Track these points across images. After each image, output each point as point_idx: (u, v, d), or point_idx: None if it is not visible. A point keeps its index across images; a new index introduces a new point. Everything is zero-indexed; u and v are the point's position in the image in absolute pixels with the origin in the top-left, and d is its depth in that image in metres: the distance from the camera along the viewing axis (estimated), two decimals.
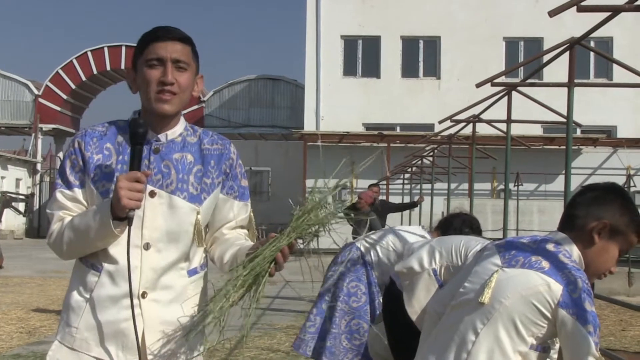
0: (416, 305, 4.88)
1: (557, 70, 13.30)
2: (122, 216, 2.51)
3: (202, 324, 2.58)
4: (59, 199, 2.67)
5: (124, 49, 35.83)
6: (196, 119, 33.72)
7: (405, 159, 21.21)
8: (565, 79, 7.32)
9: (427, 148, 18.93)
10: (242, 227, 2.88)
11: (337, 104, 28.13)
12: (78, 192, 2.66)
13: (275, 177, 34.03)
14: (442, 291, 3.08)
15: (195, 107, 33.81)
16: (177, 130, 2.74)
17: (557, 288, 2.58)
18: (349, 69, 29.04)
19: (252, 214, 2.91)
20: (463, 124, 13.41)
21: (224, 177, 2.80)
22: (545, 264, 2.65)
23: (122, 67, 35.65)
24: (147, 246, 2.62)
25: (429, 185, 20.21)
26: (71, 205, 2.66)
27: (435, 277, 4.80)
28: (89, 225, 2.56)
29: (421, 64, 28.93)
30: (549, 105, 9.81)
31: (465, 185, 24.46)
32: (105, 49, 36.03)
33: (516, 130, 14.18)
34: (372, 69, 28.97)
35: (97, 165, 2.64)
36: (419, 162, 20.61)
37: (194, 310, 2.69)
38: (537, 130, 25.82)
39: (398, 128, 28.21)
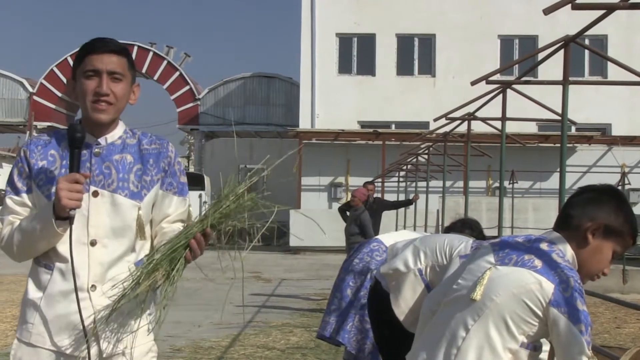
0: (403, 305, 4.92)
1: (552, 68, 13.29)
2: (64, 216, 2.69)
3: (116, 306, 2.73)
4: (8, 205, 2.85)
5: None
6: (191, 117, 33.70)
7: (401, 156, 21.21)
8: (560, 77, 7.32)
9: (422, 146, 18.94)
10: (181, 220, 3.03)
11: (332, 101, 28.13)
12: (25, 197, 2.85)
13: (270, 175, 34.02)
14: (435, 289, 3.09)
15: (190, 104, 33.78)
16: (117, 133, 2.93)
17: (549, 286, 2.59)
18: (344, 67, 29.04)
19: (190, 208, 3.08)
20: (458, 122, 13.41)
21: (162, 174, 2.96)
22: (537, 263, 2.65)
23: None
24: (93, 242, 2.81)
25: (424, 183, 20.20)
26: (20, 210, 2.85)
27: (421, 276, 4.87)
28: (34, 227, 2.75)
29: (416, 62, 28.95)
30: (543, 103, 9.82)
31: (461, 183, 24.48)
32: None
33: (511, 128, 14.21)
34: (367, 67, 28.97)
35: (42, 171, 2.84)
36: (414, 159, 20.61)
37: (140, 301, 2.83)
38: (532, 128, 25.86)
39: (393, 126, 28.23)
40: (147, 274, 2.70)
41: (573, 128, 24.14)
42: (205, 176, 28.86)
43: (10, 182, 2.88)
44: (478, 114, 11.98)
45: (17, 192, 2.86)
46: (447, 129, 14.88)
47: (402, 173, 23.42)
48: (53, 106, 36.24)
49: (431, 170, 18.81)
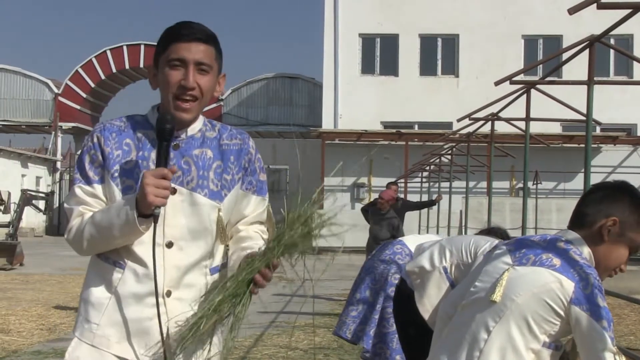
0: (427, 303, 4.91)
1: (576, 68, 13.21)
2: (147, 213, 2.47)
3: (181, 346, 2.54)
4: (77, 194, 2.61)
5: (142, 47, 36.02)
6: (214, 117, 33.75)
7: (424, 157, 21.17)
8: (584, 77, 7.29)
9: (445, 146, 18.89)
10: (259, 222, 2.82)
11: (355, 102, 28.12)
12: (97, 188, 2.60)
13: (293, 176, 34.06)
14: (452, 292, 3.10)
15: (214, 105, 33.90)
16: (197, 126, 2.68)
17: (569, 285, 2.59)
18: (367, 67, 29.03)
19: (270, 208, 2.85)
20: (481, 122, 13.36)
21: (243, 173, 2.74)
22: (556, 262, 2.65)
23: (141, 65, 35.84)
24: (169, 244, 2.59)
25: (447, 184, 20.17)
26: (90, 201, 2.60)
27: (445, 274, 4.88)
28: (111, 222, 2.51)
29: (439, 62, 28.87)
30: (568, 103, 9.77)
31: (484, 184, 24.38)
32: (125, 48, 36.24)
33: (535, 128, 14.13)
34: (390, 67, 28.94)
35: (117, 161, 2.59)
36: (437, 160, 20.56)
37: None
38: (556, 129, 25.71)
39: (416, 126, 28.17)
40: (210, 314, 2.50)
41: (598, 128, 23.97)
42: None
43: (81, 169, 2.62)
44: (502, 114, 11.93)
45: (88, 181, 2.60)
46: (471, 129, 14.82)
47: (425, 173, 23.38)
48: (78, 107, 36.55)
49: (454, 171, 18.76)
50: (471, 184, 18.15)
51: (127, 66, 36.27)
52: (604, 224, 2.74)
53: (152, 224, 2.50)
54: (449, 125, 25.01)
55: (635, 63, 25.45)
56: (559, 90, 10.49)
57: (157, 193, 2.44)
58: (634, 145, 26.03)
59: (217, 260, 2.71)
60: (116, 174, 2.58)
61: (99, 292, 2.64)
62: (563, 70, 23.09)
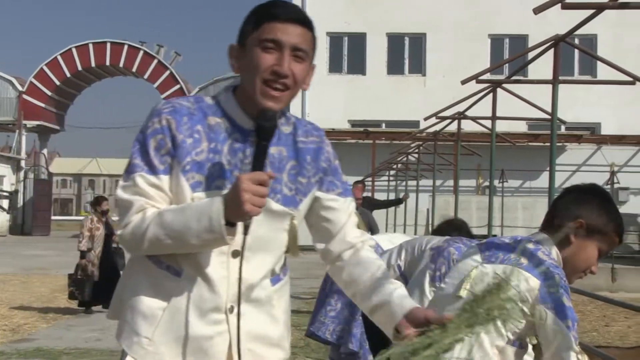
0: None
1: (542, 67, 13.34)
2: (235, 222, 2.13)
3: None
4: (139, 184, 2.20)
5: (108, 45, 35.70)
6: None
7: (391, 155, 21.24)
8: (549, 76, 7.35)
9: (412, 145, 18.98)
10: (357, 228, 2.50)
11: (322, 100, 28.12)
12: (164, 179, 2.22)
13: None
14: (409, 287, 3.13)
15: None
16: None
17: (535, 283, 2.63)
18: (335, 66, 29.06)
19: (356, 213, 2.52)
20: (448, 121, 13.44)
21: (321, 175, 2.40)
22: (523, 260, 2.69)
23: (107, 63, 35.54)
24: (235, 254, 2.26)
25: (414, 182, 20.23)
26: (153, 193, 2.21)
27: (399, 271, 5.04)
28: (188, 227, 2.14)
29: (407, 61, 28.98)
30: (533, 102, 9.85)
31: (451, 182, 24.51)
32: (90, 46, 35.90)
33: (501, 127, 14.23)
34: (358, 66, 29.00)
35: (188, 152, 2.21)
36: (405, 158, 20.64)
37: (280, 321, 2.41)
38: (522, 127, 25.92)
39: (383, 125, 28.25)
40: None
41: (563, 127, 24.21)
42: None
43: (143, 155, 2.21)
44: (468, 113, 12.01)
45: (153, 170, 2.20)
46: (437, 128, 14.90)
47: (392, 172, 23.46)
48: (43, 105, 36.13)
49: (421, 169, 18.84)
50: (438, 182, 18.25)
51: (93, 64, 35.92)
52: (570, 227, 2.78)
53: (242, 235, 2.19)
54: (416, 123, 25.11)
55: (599, 63, 25.73)
56: (525, 90, 10.58)
57: (255, 202, 2.07)
58: (598, 144, 26.32)
59: (278, 268, 2.40)
60: (187, 167, 2.20)
61: (150, 301, 2.28)
62: (529, 69, 23.27)
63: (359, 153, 26.50)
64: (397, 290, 2.29)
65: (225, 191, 2.17)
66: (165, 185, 2.21)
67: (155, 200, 2.21)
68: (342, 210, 2.43)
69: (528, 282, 2.62)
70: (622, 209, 26.97)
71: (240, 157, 2.25)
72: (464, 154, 15.30)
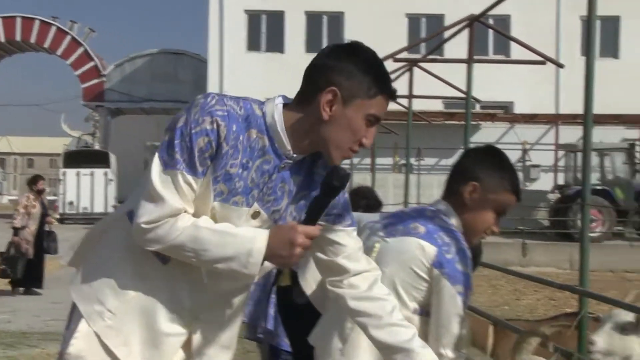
0: (310, 279, 4.98)
1: (458, 46, 13.55)
2: (268, 263, 2.16)
3: None
4: (179, 182, 2.12)
5: (19, 20, 34.61)
6: (96, 93, 33.00)
7: None
8: (465, 56, 7.49)
9: None
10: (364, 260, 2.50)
11: (241, 78, 27.93)
12: (199, 182, 2.15)
13: None
14: None
15: (95, 81, 33.04)
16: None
17: (431, 249, 2.71)
18: (253, 44, 28.87)
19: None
20: None
21: (330, 209, 2.31)
22: (421, 229, 2.76)
23: (18, 39, 34.48)
24: None
25: None
26: (188, 193, 2.14)
27: None
28: (222, 253, 2.13)
29: (325, 39, 28.97)
30: (449, 81, 10.02)
31: (368, 160, 24.73)
32: None
33: (417, 105, 14.41)
34: (276, 44, 28.87)
35: (227, 161, 2.15)
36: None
37: (236, 323, 2.43)
38: (438, 106, 26.29)
39: None
40: None
41: (477, 106, 24.66)
42: (110, 154, 28.31)
43: (187, 152, 2.12)
44: None
45: (193, 171, 2.12)
46: None
47: None
48: None
49: None
50: (355, 160, 18.40)
51: (2, 39, 34.79)
52: (465, 189, 2.85)
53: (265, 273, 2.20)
54: None
55: (513, 43, 26.29)
56: (441, 69, 10.74)
57: (300, 255, 2.13)
58: (511, 123, 26.92)
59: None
60: (220, 177, 2.15)
61: (126, 278, 2.24)
62: (445, 48, 23.62)
63: None
64: (415, 338, 2.40)
65: (263, 220, 2.21)
66: (197, 187, 2.15)
67: (187, 201, 2.15)
68: (350, 239, 2.42)
69: (424, 250, 2.69)
70: (533, 186, 27.69)
71: (265, 179, 2.20)
72: (380, 132, 15.46)
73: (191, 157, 2.11)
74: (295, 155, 2.21)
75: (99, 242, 2.34)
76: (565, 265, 16.78)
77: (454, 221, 2.84)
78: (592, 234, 17.14)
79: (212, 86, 28.36)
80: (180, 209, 2.14)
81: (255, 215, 2.22)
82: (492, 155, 2.93)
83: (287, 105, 2.25)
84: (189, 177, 2.12)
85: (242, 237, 2.13)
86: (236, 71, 28.13)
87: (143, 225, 2.14)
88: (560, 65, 8.65)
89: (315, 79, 2.22)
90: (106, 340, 2.24)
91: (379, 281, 2.47)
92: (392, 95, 2.26)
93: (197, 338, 2.33)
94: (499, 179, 2.84)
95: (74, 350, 2.24)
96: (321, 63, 2.23)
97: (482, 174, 2.84)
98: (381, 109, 2.23)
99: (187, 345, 2.33)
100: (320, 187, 2.19)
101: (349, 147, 2.21)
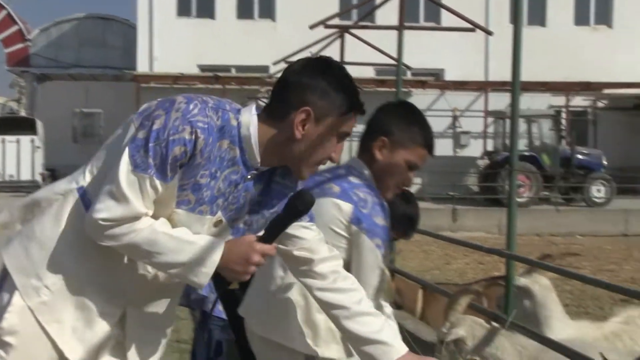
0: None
1: (389, 13, 13.58)
2: (218, 276, 2.19)
3: None
4: (147, 186, 2.11)
5: None
6: (20, 58, 32.10)
7: (240, 100, 21.10)
8: (396, 22, 7.51)
9: (262, 90, 18.95)
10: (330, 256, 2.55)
11: (171, 44, 27.53)
12: (164, 187, 2.14)
13: (107, 119, 33.05)
14: None
15: (20, 45, 32.11)
16: None
17: (347, 207, 2.75)
18: (183, 9, 28.43)
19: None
20: None
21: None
22: (336, 189, 2.80)
23: None
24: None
25: None
26: (152, 196, 2.13)
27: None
28: (176, 259, 2.14)
29: (256, 5, 28.72)
30: (380, 48, 10.04)
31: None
32: None
33: (349, 72, 14.43)
34: (207, 10, 28.48)
35: (196, 173, 2.15)
36: (254, 104, 20.58)
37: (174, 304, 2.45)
38: (369, 73, 26.38)
39: (233, 70, 28.01)
40: None
41: (408, 73, 24.84)
42: (37, 121, 27.64)
43: (160, 158, 2.09)
44: None
45: (164, 177, 2.11)
46: None
47: None
48: None
49: None
50: None
51: None
52: (375, 144, 2.88)
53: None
54: (266, 69, 25.05)
55: (443, 10, 26.46)
56: (373, 35, 10.76)
57: (251, 272, 2.18)
58: (442, 90, 27.19)
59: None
60: (187, 186, 2.15)
61: (69, 256, 2.23)
62: (377, 15, 23.66)
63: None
64: (385, 328, 2.41)
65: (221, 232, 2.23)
66: (162, 190, 2.14)
67: (150, 204, 2.14)
68: (310, 232, 2.44)
69: (341, 208, 2.73)
70: (464, 152, 27.96)
71: (232, 189, 2.22)
72: None
73: (164, 163, 2.10)
74: (261, 167, 2.25)
75: (42, 213, 2.30)
76: (494, 230, 17.14)
77: (366, 175, 2.87)
78: (519, 199, 17.55)
79: (142, 52, 27.89)
80: (143, 213, 2.13)
81: (217, 224, 2.24)
82: (403, 110, 2.96)
83: (259, 115, 2.26)
84: (157, 182, 2.11)
85: (198, 246, 2.15)
86: (166, 37, 27.70)
87: (101, 222, 2.12)
88: (489, 33, 8.74)
89: (289, 96, 2.23)
90: (39, 316, 2.21)
91: (343, 270, 2.50)
92: (361, 111, 2.34)
93: (131, 319, 2.32)
94: (410, 133, 2.88)
95: (7, 325, 2.22)
96: (295, 80, 2.24)
97: (392, 129, 2.87)
98: (351, 125, 2.31)
99: (121, 326, 2.32)
100: (284, 208, 2.24)
101: (318, 162, 2.29)
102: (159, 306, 2.38)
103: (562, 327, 4.49)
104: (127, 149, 2.11)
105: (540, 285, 4.63)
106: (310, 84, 2.22)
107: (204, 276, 2.15)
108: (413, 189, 23.04)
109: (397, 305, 6.05)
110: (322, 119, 2.22)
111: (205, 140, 2.11)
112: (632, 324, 4.75)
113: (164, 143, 2.09)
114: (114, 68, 32.41)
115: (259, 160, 2.22)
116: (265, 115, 2.26)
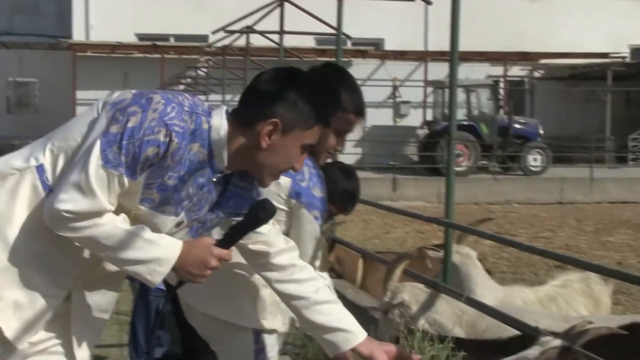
0: None
1: None
2: (173, 276, 2.23)
3: None
4: (115, 183, 2.11)
5: None
6: None
7: (179, 70, 20.91)
8: None
9: (201, 59, 18.76)
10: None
11: (108, 12, 26.97)
12: (130, 184, 2.14)
13: (42, 89, 32.37)
14: None
15: None
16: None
17: (286, 181, 2.79)
18: None
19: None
20: (237, 35, 13.39)
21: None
22: None
23: None
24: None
25: (203, 97, 20.09)
26: (118, 191, 2.14)
27: None
28: (132, 255, 2.15)
29: None
30: (320, 17, 10.01)
31: (239, 97, 24.59)
32: None
33: (289, 42, 14.36)
34: None
35: (164, 174, 2.16)
36: (194, 73, 20.41)
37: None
38: (310, 42, 26.29)
39: (172, 39, 27.63)
40: None
41: (348, 42, 24.83)
42: None
43: (131, 157, 2.10)
44: (257, 28, 12.01)
45: (133, 176, 2.11)
46: (226, 42, 14.81)
47: (181, 87, 23.13)
48: None
49: (210, 84, 18.75)
50: (227, 97, 18.21)
51: None
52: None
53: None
54: (205, 38, 24.77)
55: None
56: (313, 4, 10.71)
57: (207, 275, 2.22)
58: (382, 60, 27.27)
59: None
60: (152, 184, 2.17)
61: (20, 233, 2.19)
62: None
63: (147, 68, 25.82)
64: (346, 315, 2.48)
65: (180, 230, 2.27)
66: (129, 185, 2.14)
67: (114, 199, 2.14)
68: (266, 226, 2.43)
69: (279, 183, 2.74)
70: (404, 122, 28.19)
71: (197, 191, 2.25)
72: (252, 68, 15.32)
73: (135, 162, 2.10)
74: (226, 170, 2.29)
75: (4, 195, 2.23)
76: (433, 199, 17.37)
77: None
78: (458, 168, 17.80)
79: (77, 21, 27.30)
80: (108, 210, 2.13)
81: (179, 224, 2.28)
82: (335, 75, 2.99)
83: (229, 119, 2.29)
84: (126, 180, 2.12)
85: (155, 245, 2.17)
86: (103, 4, 27.13)
87: (64, 213, 2.10)
88: (428, 2, 8.77)
89: (258, 105, 2.27)
90: None
91: (300, 261, 2.56)
92: (327, 125, 2.36)
93: (76, 301, 2.30)
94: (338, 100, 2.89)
95: None
96: (264, 90, 2.29)
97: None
98: (316, 138, 2.32)
99: (64, 307, 2.30)
100: (245, 215, 2.29)
101: (281, 171, 2.34)
102: (104, 289, 2.37)
103: (487, 293, 4.57)
104: (98, 142, 2.10)
105: (461, 254, 4.70)
106: (279, 94, 2.26)
107: (158, 275, 2.17)
108: (353, 158, 23.10)
109: (337, 275, 6.09)
110: (289, 131, 2.25)
111: (179, 144, 2.13)
112: (569, 288, 4.87)
113: (137, 142, 2.09)
114: (48, 36, 31.69)
115: (226, 164, 2.26)
116: (233, 120, 2.28)
